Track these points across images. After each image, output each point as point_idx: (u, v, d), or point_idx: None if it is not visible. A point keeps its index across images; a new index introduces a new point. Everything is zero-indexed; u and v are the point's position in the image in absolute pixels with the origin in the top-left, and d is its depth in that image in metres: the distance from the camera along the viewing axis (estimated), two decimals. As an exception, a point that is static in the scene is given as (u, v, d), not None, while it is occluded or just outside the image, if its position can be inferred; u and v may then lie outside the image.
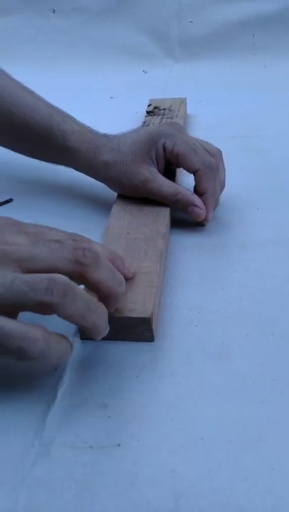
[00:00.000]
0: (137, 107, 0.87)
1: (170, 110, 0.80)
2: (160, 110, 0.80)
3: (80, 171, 0.57)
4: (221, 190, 0.54)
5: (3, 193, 0.62)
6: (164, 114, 0.78)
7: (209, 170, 0.50)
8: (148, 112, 0.80)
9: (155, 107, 0.81)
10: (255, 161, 0.68)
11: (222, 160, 0.54)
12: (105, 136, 0.55)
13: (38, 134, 0.56)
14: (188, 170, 0.52)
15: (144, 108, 0.83)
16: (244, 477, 0.29)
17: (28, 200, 0.61)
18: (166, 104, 0.82)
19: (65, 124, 0.56)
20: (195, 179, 0.52)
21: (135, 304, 0.39)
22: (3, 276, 0.30)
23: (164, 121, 0.75)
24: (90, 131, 0.56)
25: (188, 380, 0.36)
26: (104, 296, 0.35)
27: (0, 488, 0.30)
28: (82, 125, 0.57)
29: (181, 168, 0.53)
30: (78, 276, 0.33)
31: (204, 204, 0.51)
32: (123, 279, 0.36)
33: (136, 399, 0.35)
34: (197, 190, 0.52)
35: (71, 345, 0.34)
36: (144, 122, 0.76)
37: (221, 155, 0.54)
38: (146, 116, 0.78)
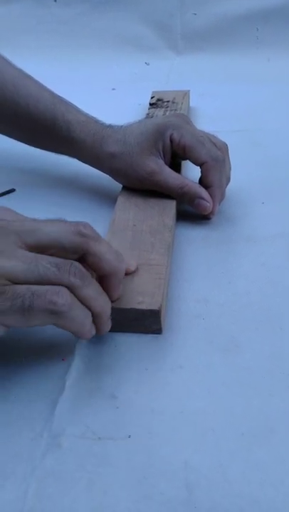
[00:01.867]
0: (140, 99, 0.86)
1: (173, 102, 0.79)
2: (163, 102, 0.80)
3: (85, 162, 0.57)
4: (227, 183, 0.53)
5: (6, 184, 0.62)
6: (167, 107, 0.78)
7: (216, 163, 0.50)
8: (151, 104, 0.79)
9: (158, 99, 0.81)
10: (259, 155, 0.68)
11: (228, 154, 0.53)
12: (111, 127, 0.55)
13: (42, 123, 0.55)
14: (195, 162, 0.51)
15: (147, 100, 0.82)
16: (257, 468, 0.29)
17: (31, 191, 0.61)
18: (169, 97, 0.81)
19: (69, 114, 0.55)
20: (201, 171, 0.51)
21: (144, 296, 0.39)
22: (23, 255, 0.31)
23: (167, 113, 0.75)
24: (96, 121, 0.56)
25: (197, 372, 0.36)
26: (108, 273, 0.35)
27: (9, 480, 0.30)
28: (86, 115, 0.57)
29: (186, 161, 0.53)
30: (81, 249, 0.33)
31: (210, 197, 0.50)
32: (122, 255, 0.37)
33: (145, 391, 0.35)
34: (203, 183, 0.51)
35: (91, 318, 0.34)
36: (148, 114, 0.75)
37: (227, 149, 0.54)
38: (149, 109, 0.78)
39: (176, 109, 0.76)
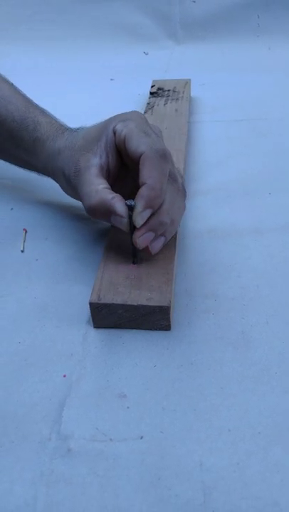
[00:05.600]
0: (139, 89, 0.85)
1: (174, 91, 0.78)
2: (164, 91, 0.78)
3: (42, 172, 0.51)
4: (180, 211, 0.41)
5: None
6: (168, 96, 0.76)
7: (156, 155, 0.38)
8: (152, 93, 0.78)
9: (159, 88, 0.79)
10: (263, 144, 0.67)
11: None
12: (75, 128, 0.48)
13: (9, 125, 0.51)
14: (133, 155, 0.39)
15: (147, 90, 0.81)
16: (275, 469, 0.28)
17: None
18: (170, 86, 0.80)
19: (40, 117, 0.50)
20: (139, 166, 0.38)
21: (152, 292, 0.38)
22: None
23: (168, 102, 0.73)
24: (62, 124, 0.50)
25: (209, 369, 0.35)
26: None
27: (17, 484, 0.29)
28: (56, 119, 0.51)
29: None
30: None
31: (139, 200, 0.37)
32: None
33: (155, 388, 0.34)
34: (138, 182, 0.38)
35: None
36: (149, 103, 0.74)
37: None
38: (150, 98, 0.76)
39: (177, 98, 0.75)
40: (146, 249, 0.40)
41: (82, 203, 0.41)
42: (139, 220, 0.38)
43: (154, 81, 0.82)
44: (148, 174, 0.37)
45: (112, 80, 0.93)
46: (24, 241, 0.49)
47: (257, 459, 0.28)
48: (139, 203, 0.37)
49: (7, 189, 0.59)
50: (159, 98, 0.75)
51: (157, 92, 0.78)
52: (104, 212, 0.39)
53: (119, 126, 0.41)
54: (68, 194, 0.47)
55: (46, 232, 0.50)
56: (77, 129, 0.47)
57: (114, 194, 0.39)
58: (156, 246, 0.40)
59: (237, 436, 0.30)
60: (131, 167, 0.42)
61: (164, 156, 0.39)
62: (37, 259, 0.47)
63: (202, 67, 0.95)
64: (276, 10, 0.99)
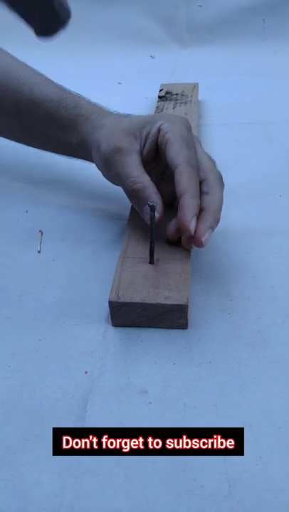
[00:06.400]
0: (147, 93, 0.86)
1: (182, 95, 0.79)
2: (172, 95, 0.79)
3: (75, 147, 0.52)
4: (216, 221, 0.41)
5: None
6: (176, 99, 0.77)
7: (192, 168, 0.41)
8: (160, 97, 0.79)
9: (167, 92, 0.80)
10: (271, 147, 0.68)
11: (221, 186, 0.43)
12: (123, 114, 0.50)
13: (46, 107, 0.52)
14: (171, 163, 0.41)
15: (154, 93, 0.82)
16: (297, 463, 0.29)
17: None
18: (178, 89, 0.81)
19: (78, 98, 0.52)
20: (174, 178, 0.41)
21: (169, 291, 0.39)
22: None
23: (177, 106, 0.75)
24: (104, 107, 0.52)
25: (227, 367, 0.36)
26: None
27: (44, 475, 0.30)
28: (95, 102, 0.53)
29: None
30: None
31: (181, 207, 0.39)
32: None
33: (176, 385, 0.35)
34: (176, 193, 0.41)
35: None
36: (158, 107, 0.75)
37: (221, 181, 0.44)
38: (158, 101, 0.77)
39: (185, 102, 0.76)
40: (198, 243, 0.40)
41: (123, 182, 0.44)
42: (188, 228, 0.39)
43: (162, 85, 0.83)
44: (186, 185, 0.40)
45: (119, 83, 0.94)
46: (40, 242, 0.50)
47: (279, 453, 0.29)
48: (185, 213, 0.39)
49: (21, 192, 0.60)
50: (168, 102, 0.76)
51: (166, 96, 0.79)
52: (141, 198, 0.42)
53: (165, 126, 0.43)
54: (99, 167, 0.48)
55: (62, 234, 0.51)
56: (126, 114, 0.49)
57: (156, 189, 0.42)
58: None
59: (258, 431, 0.31)
60: (161, 165, 0.45)
61: (197, 171, 0.41)
62: (54, 260, 0.47)
63: (208, 70, 0.96)
64: (281, 14, 1.01)
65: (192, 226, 0.39)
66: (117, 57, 1.02)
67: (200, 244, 0.40)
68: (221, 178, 0.44)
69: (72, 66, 1.00)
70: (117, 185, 0.46)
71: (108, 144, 0.45)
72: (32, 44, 1.06)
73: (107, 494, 0.28)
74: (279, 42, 1.00)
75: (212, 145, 0.69)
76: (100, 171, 0.48)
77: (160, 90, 0.81)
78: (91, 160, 0.50)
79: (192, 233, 0.39)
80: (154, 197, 0.42)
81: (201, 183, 0.42)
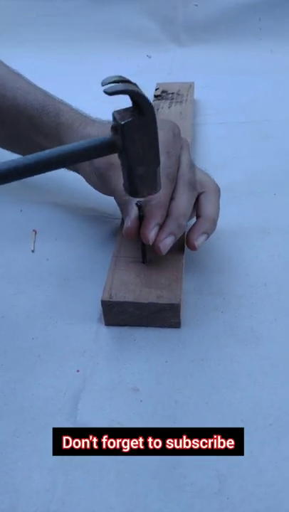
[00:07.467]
0: (144, 92, 0.86)
1: (178, 94, 0.79)
2: (168, 94, 0.79)
3: None
4: (178, 226, 0.41)
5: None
6: (172, 99, 0.77)
7: (165, 177, 0.40)
8: (156, 96, 0.79)
9: (163, 91, 0.80)
10: (267, 146, 0.68)
11: (217, 195, 0.44)
12: (104, 120, 0.49)
13: (28, 113, 0.52)
14: None
15: (150, 93, 0.82)
16: (287, 458, 0.29)
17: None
18: (174, 88, 0.81)
19: (60, 104, 0.52)
20: None
21: (162, 290, 0.39)
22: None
23: (173, 105, 0.75)
24: (86, 114, 0.52)
25: (220, 364, 0.36)
26: None
27: (35, 471, 0.30)
28: (77, 108, 0.53)
29: None
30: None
31: (148, 215, 0.39)
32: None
33: (167, 383, 0.35)
34: None
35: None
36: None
37: (217, 192, 0.44)
38: (154, 101, 0.77)
39: (181, 101, 0.76)
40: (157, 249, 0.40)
41: (115, 196, 0.44)
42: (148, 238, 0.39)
43: (158, 84, 0.83)
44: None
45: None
46: (34, 241, 0.50)
47: (269, 449, 0.29)
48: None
49: (15, 191, 0.60)
50: (164, 101, 0.76)
51: (161, 95, 0.79)
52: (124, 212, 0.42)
53: None
54: (91, 182, 0.48)
55: (56, 233, 0.51)
56: (107, 121, 0.47)
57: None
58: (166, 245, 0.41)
59: (250, 427, 0.31)
60: None
61: (172, 179, 0.41)
62: (47, 259, 0.48)
63: (205, 69, 0.96)
64: (278, 13, 1.01)
65: (151, 236, 0.39)
66: (113, 57, 1.02)
67: (158, 251, 0.40)
68: (206, 182, 0.43)
69: (69, 65, 1.00)
70: (109, 195, 0.46)
71: (99, 159, 0.43)
72: (30, 43, 1.07)
73: (98, 488, 0.29)
74: (276, 41, 1.00)
75: (208, 144, 0.69)
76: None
77: (156, 89, 0.81)
78: (75, 170, 0.50)
79: (150, 242, 0.39)
80: (130, 209, 0.41)
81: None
